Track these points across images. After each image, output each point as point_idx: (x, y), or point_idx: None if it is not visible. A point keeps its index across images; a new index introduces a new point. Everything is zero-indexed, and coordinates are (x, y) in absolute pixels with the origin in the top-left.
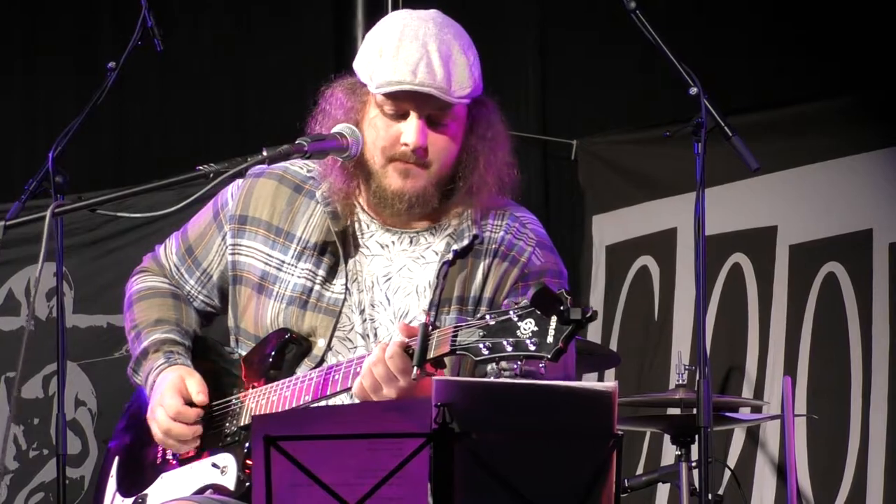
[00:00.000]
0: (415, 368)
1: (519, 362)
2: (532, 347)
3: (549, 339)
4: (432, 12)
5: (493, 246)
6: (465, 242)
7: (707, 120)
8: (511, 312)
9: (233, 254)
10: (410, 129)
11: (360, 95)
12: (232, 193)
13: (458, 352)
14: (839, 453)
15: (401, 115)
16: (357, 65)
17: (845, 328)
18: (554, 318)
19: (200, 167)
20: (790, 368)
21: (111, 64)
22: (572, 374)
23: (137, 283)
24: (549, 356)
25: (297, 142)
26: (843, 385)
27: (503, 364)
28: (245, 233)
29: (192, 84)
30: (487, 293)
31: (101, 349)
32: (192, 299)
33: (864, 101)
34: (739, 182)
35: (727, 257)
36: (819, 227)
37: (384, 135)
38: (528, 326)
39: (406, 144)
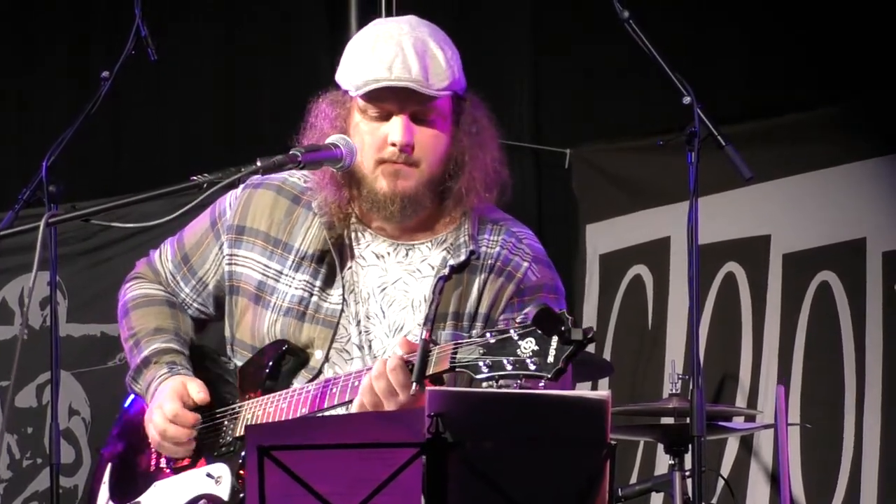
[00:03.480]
0: (414, 384)
1: (518, 381)
2: (532, 367)
3: (550, 358)
4: (407, 17)
5: (490, 261)
6: (462, 258)
7: (700, 129)
8: (511, 331)
9: (230, 264)
10: (396, 128)
11: (344, 105)
12: (230, 203)
13: (457, 369)
14: (833, 462)
15: (384, 117)
16: (339, 76)
17: (839, 337)
18: (555, 338)
19: (194, 177)
20: (784, 377)
21: (105, 73)
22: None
23: (132, 290)
24: (550, 376)
25: (291, 152)
26: (836, 394)
27: (502, 382)
28: (242, 243)
29: (185, 93)
30: (483, 309)
31: (95, 358)
32: (186, 307)
33: (858, 109)
34: (733, 191)
35: (721, 266)
36: (812, 235)
37: (370, 139)
38: (528, 345)
39: (393, 144)
